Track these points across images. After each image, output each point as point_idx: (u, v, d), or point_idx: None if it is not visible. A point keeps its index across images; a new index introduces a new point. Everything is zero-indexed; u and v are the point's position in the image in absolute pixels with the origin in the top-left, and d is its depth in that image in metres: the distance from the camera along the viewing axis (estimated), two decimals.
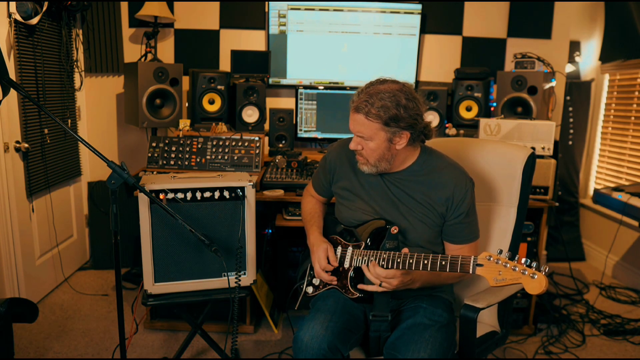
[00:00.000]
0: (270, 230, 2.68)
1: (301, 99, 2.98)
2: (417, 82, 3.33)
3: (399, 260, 1.43)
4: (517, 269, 1.23)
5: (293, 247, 2.69)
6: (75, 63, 3.13)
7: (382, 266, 1.45)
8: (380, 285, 1.45)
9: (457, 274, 1.57)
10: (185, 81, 3.08)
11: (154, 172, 2.54)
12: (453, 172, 1.58)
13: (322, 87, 3.01)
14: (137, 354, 2.35)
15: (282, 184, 2.52)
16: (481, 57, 3.31)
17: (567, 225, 3.80)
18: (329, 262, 1.59)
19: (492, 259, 1.28)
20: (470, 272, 1.32)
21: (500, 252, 1.28)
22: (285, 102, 3.34)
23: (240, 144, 2.66)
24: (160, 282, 1.95)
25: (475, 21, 3.29)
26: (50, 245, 2.93)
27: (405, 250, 1.44)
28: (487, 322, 1.76)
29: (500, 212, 1.79)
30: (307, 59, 3.26)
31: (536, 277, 1.20)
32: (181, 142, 2.66)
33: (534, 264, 1.22)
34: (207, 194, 1.93)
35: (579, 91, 3.71)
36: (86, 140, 1.93)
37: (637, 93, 3.34)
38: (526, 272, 1.22)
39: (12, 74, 2.51)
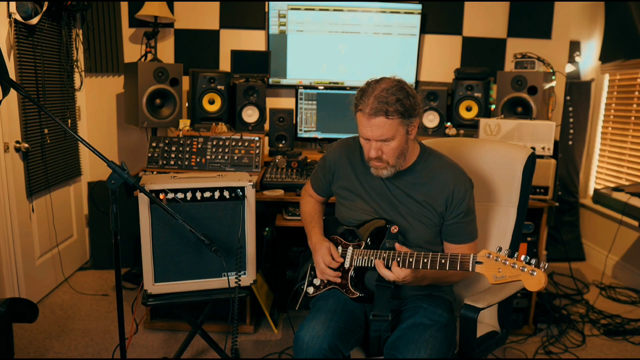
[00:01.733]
0: (270, 230, 2.68)
1: (301, 99, 2.98)
2: (417, 82, 3.33)
3: (398, 259, 1.43)
4: (516, 266, 1.24)
5: (293, 247, 2.69)
6: (75, 63, 3.13)
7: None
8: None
9: (456, 276, 1.58)
10: (185, 81, 3.08)
11: (154, 172, 2.54)
12: (453, 172, 1.58)
13: (322, 87, 3.01)
14: (137, 354, 2.35)
15: (282, 184, 2.52)
16: (481, 57, 3.31)
17: (567, 225, 3.80)
18: (333, 260, 1.60)
19: (491, 256, 1.29)
20: (470, 269, 1.32)
21: (500, 249, 1.29)
22: (285, 102, 3.34)
23: (240, 144, 2.66)
24: (160, 282, 1.95)
25: (475, 21, 3.29)
26: (50, 245, 2.93)
27: (397, 246, 1.45)
28: (487, 322, 1.76)
29: (500, 212, 1.79)
30: (307, 59, 3.26)
31: (535, 273, 1.21)
32: (181, 142, 2.66)
33: (533, 261, 1.23)
34: (207, 194, 1.93)
35: (579, 91, 3.71)
36: (86, 140, 1.93)
37: (637, 93, 3.34)
38: (525, 269, 1.22)
39: (12, 74, 2.51)
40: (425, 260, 1.39)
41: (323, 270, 1.60)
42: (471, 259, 1.33)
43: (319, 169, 1.79)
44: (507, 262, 1.25)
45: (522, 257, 1.25)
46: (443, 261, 1.38)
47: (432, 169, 1.59)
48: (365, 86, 1.49)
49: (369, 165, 1.61)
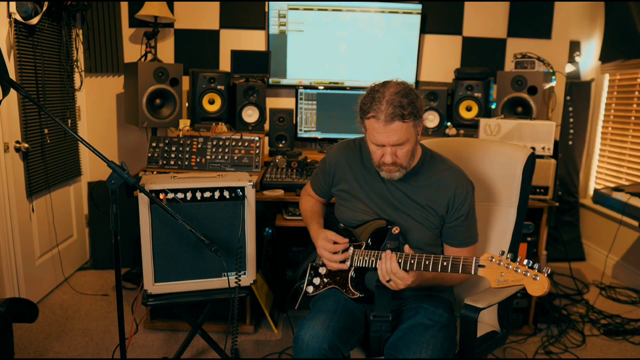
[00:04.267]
0: (270, 230, 2.68)
1: (301, 99, 2.98)
2: (417, 82, 3.33)
3: (400, 260, 1.43)
4: (519, 270, 1.23)
5: (293, 247, 2.69)
6: (75, 63, 3.13)
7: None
8: (388, 281, 1.44)
9: (460, 277, 1.58)
10: (185, 81, 3.08)
11: (154, 172, 2.54)
12: (455, 174, 1.58)
13: (322, 87, 3.01)
14: (137, 354, 2.35)
15: (282, 184, 2.52)
16: (481, 57, 3.31)
17: (567, 225, 3.80)
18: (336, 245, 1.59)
19: (494, 260, 1.28)
20: (472, 273, 1.32)
21: (503, 253, 1.29)
22: (285, 102, 3.34)
23: (240, 144, 2.66)
24: (160, 282, 1.95)
25: (475, 21, 3.29)
26: (50, 245, 2.93)
27: (407, 248, 1.44)
28: (487, 322, 1.76)
29: (500, 212, 1.79)
30: (307, 59, 3.26)
31: (538, 278, 1.20)
32: (181, 142, 2.66)
33: (536, 266, 1.22)
34: (207, 194, 1.93)
35: (579, 91, 3.71)
36: (86, 140, 1.93)
37: (637, 93, 3.34)
38: (528, 274, 1.22)
39: (12, 74, 2.51)
40: (427, 262, 1.39)
41: (330, 259, 1.59)
42: (474, 262, 1.32)
43: (319, 171, 1.79)
44: (510, 266, 1.25)
45: (525, 262, 1.24)
46: (445, 264, 1.37)
47: (434, 172, 1.59)
48: (372, 92, 1.46)
49: (372, 169, 1.61)
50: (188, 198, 1.92)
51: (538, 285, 1.20)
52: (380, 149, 1.49)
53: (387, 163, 1.49)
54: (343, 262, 1.59)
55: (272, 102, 3.28)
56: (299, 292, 1.72)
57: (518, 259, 1.26)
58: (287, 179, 2.54)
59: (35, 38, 2.68)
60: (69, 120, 3.11)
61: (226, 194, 1.95)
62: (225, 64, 3.28)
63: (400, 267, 1.42)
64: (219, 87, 2.91)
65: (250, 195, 1.98)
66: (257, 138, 2.68)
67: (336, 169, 1.70)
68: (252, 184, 1.98)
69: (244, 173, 2.23)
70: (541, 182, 2.45)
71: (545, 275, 1.20)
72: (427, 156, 1.62)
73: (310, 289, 1.68)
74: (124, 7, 3.22)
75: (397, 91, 1.43)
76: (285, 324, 2.68)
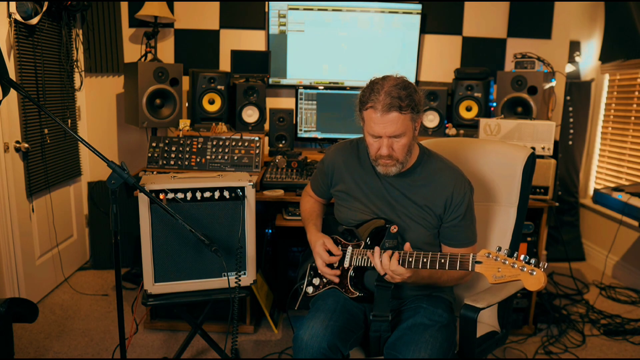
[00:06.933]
0: (270, 230, 2.68)
1: (301, 99, 2.98)
2: (417, 82, 3.33)
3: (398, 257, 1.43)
4: (515, 265, 1.24)
5: (293, 247, 2.69)
6: (75, 63, 3.13)
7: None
8: (384, 275, 1.46)
9: (455, 277, 1.58)
10: (185, 81, 3.08)
11: (154, 172, 2.54)
12: (453, 174, 1.58)
13: (322, 87, 3.01)
14: (137, 354, 2.35)
15: (282, 184, 2.52)
16: (481, 57, 3.31)
17: (567, 225, 3.80)
18: (331, 256, 1.60)
19: (491, 256, 1.29)
20: (470, 269, 1.32)
21: (499, 249, 1.29)
22: (285, 102, 3.34)
23: (240, 144, 2.66)
24: (160, 282, 1.95)
25: (475, 21, 3.29)
26: (50, 245, 2.93)
27: (407, 246, 1.44)
28: (487, 322, 1.76)
29: (500, 212, 1.79)
30: (307, 59, 3.26)
31: (535, 273, 1.21)
32: (181, 142, 2.66)
33: (532, 261, 1.23)
34: (207, 194, 1.93)
35: (579, 91, 3.71)
36: (86, 140, 1.93)
37: (637, 93, 3.34)
38: (525, 269, 1.23)
39: (12, 74, 2.51)
40: (425, 260, 1.40)
41: (321, 268, 1.61)
42: (471, 258, 1.33)
43: (318, 172, 1.79)
44: (507, 262, 1.26)
45: (522, 257, 1.25)
46: (443, 261, 1.38)
47: (431, 171, 1.59)
48: (371, 84, 1.48)
49: (369, 166, 1.61)
50: (188, 198, 1.92)
51: (534, 280, 1.21)
52: (377, 141, 1.49)
53: (383, 155, 1.49)
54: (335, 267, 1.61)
55: (272, 102, 3.29)
56: (299, 292, 1.72)
57: (515, 255, 1.27)
58: (287, 179, 2.54)
59: (35, 38, 2.68)
60: (69, 120, 3.11)
61: (226, 194, 1.95)
62: (225, 64, 3.28)
63: (398, 264, 1.43)
64: (219, 87, 2.91)
65: (250, 195, 1.98)
66: (257, 138, 2.68)
67: (334, 169, 1.70)
68: (252, 184, 1.98)
69: (244, 173, 2.23)
70: (541, 182, 2.45)
71: (542, 270, 1.21)
72: (425, 155, 1.62)
73: (310, 289, 1.68)
74: (124, 7, 3.22)
75: (396, 84, 1.44)
76: (285, 324, 2.68)
